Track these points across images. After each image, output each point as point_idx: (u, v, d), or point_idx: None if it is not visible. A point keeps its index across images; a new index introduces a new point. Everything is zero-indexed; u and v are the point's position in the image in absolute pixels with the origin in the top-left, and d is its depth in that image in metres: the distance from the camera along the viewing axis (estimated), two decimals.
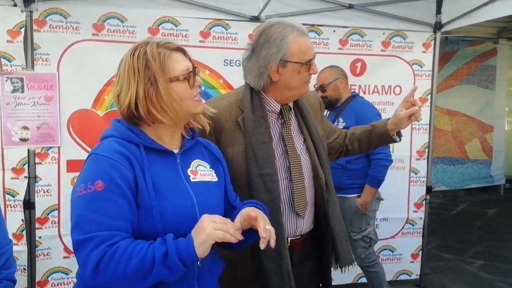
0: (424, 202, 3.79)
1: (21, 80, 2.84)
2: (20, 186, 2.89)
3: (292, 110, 1.81)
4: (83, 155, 2.92)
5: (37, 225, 2.94)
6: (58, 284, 3.02)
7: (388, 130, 1.94)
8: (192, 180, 1.33)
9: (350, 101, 3.15)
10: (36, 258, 2.95)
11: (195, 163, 1.38)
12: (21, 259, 2.87)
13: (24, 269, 2.92)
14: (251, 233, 1.33)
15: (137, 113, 1.26)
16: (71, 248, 2.96)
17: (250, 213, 1.27)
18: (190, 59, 1.35)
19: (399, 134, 1.99)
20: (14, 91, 2.83)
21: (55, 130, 2.92)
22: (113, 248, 1.12)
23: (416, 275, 3.87)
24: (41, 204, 2.94)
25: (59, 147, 2.94)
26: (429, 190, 3.80)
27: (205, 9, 3.17)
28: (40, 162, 2.92)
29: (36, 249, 2.95)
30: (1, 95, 2.81)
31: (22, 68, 2.83)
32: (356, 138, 2.03)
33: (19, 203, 2.88)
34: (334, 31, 3.45)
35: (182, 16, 3.11)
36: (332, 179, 1.84)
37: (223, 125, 1.68)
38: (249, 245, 1.41)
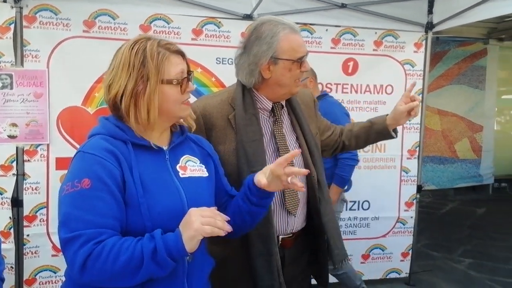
0: (414, 201, 3.81)
1: (10, 76, 2.80)
2: (8, 183, 2.85)
3: (285, 108, 1.81)
4: (73, 153, 2.87)
5: (25, 223, 2.91)
6: (46, 283, 2.99)
7: (387, 126, 1.95)
8: (181, 176, 1.32)
9: (320, 100, 3.15)
10: (24, 256, 2.92)
11: (184, 158, 1.38)
12: (9, 257, 2.83)
13: (12, 267, 2.89)
14: (240, 225, 1.36)
15: (119, 106, 1.25)
16: (59, 246, 2.92)
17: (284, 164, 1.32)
18: (187, 63, 1.34)
19: (395, 131, 2.00)
20: (3, 87, 2.80)
21: (44, 127, 2.89)
22: (100, 246, 1.11)
23: (406, 273, 3.90)
24: (29, 202, 2.91)
25: (48, 145, 2.91)
26: (419, 189, 3.82)
27: (198, 7, 3.16)
28: (28, 160, 2.89)
29: (24, 247, 2.92)
30: None
31: (11, 64, 2.79)
32: (354, 134, 2.04)
33: (7, 201, 2.85)
34: (327, 30, 3.45)
35: (174, 14, 3.09)
36: (324, 177, 1.85)
37: (214, 123, 1.68)
38: (238, 236, 1.43)
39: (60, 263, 2.93)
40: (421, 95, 3.71)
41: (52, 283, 3.00)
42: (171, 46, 1.30)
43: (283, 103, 1.80)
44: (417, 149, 3.77)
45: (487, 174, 7.33)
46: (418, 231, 3.96)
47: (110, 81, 1.27)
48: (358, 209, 3.71)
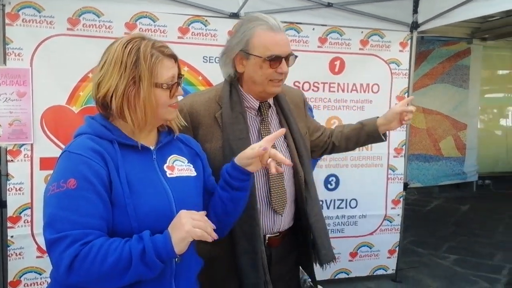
0: (401, 199, 3.85)
1: None
2: None
3: (274, 108, 1.81)
4: (58, 153, 2.82)
5: (9, 224, 2.85)
6: (31, 285, 2.94)
7: (378, 127, 1.96)
8: (168, 175, 1.31)
9: None
10: (8, 258, 2.87)
11: (171, 158, 1.37)
12: None
13: None
14: (224, 218, 1.39)
15: (110, 105, 1.24)
16: (44, 248, 2.89)
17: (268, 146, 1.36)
18: (179, 67, 1.33)
19: (384, 134, 2.01)
20: None
21: (28, 126, 2.84)
22: (87, 247, 1.10)
23: (392, 270, 3.94)
24: (13, 203, 2.85)
25: (32, 144, 2.86)
26: (405, 187, 3.86)
27: (184, 5, 3.14)
28: (12, 160, 2.83)
29: (8, 248, 2.86)
30: None
31: None
32: (344, 136, 2.04)
33: None
34: (314, 29, 3.46)
35: (160, 12, 3.07)
36: (312, 177, 1.85)
37: (201, 120, 1.68)
38: (225, 234, 1.45)
39: (45, 264, 2.89)
40: (406, 94, 3.75)
41: (37, 285, 2.95)
42: (165, 49, 1.29)
43: (271, 102, 1.79)
44: (404, 147, 3.80)
45: (471, 172, 7.43)
46: (404, 228, 4.00)
47: (100, 79, 1.25)
48: (346, 207, 3.73)
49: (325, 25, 3.50)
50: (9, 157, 2.82)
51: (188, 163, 1.40)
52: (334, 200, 3.69)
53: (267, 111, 1.77)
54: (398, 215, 3.86)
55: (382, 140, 2.02)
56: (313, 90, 3.50)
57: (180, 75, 1.32)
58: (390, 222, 3.85)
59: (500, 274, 4.16)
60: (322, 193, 3.59)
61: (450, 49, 7.02)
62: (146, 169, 1.28)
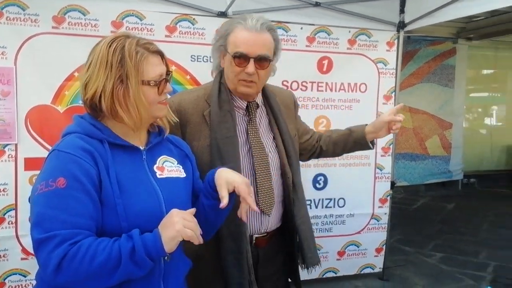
0: (388, 198, 3.88)
1: None
2: None
3: (263, 108, 1.81)
4: (43, 153, 2.84)
5: None
6: (15, 287, 2.89)
7: (366, 135, 1.96)
8: (158, 176, 1.31)
9: None
10: None
11: (161, 159, 1.36)
12: None
13: None
14: (206, 224, 1.37)
15: (99, 106, 1.22)
16: (29, 249, 2.86)
17: (244, 189, 1.31)
18: (166, 63, 1.32)
19: (372, 142, 2.02)
20: None
21: (12, 126, 2.78)
22: (75, 247, 1.09)
23: (380, 268, 3.96)
24: None
25: (16, 144, 2.81)
26: (392, 185, 3.89)
27: (171, 3, 3.11)
28: None
29: None
30: None
31: None
32: (332, 141, 2.05)
33: None
34: (302, 28, 3.46)
35: (147, 10, 3.04)
36: (300, 179, 1.85)
37: (189, 118, 1.67)
38: (210, 237, 1.44)
39: (30, 266, 2.84)
40: (393, 93, 3.78)
41: (22, 287, 2.90)
42: (150, 46, 1.28)
43: (260, 102, 1.79)
44: (391, 146, 3.83)
45: (457, 170, 7.53)
46: (391, 226, 4.02)
47: (87, 80, 1.24)
48: (334, 206, 3.74)
49: (313, 25, 3.50)
50: None
51: (177, 164, 1.40)
52: (322, 200, 3.70)
53: (255, 111, 1.77)
54: (385, 213, 3.88)
55: (369, 148, 2.03)
56: (301, 89, 3.50)
57: (168, 72, 1.31)
58: (377, 221, 3.87)
59: (485, 271, 4.22)
60: (310, 193, 3.60)
61: (436, 49, 7.10)
62: (136, 169, 1.27)
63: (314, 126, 3.53)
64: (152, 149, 1.35)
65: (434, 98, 7.20)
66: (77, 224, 1.11)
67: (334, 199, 3.74)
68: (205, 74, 2.97)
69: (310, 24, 3.49)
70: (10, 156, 2.80)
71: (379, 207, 3.86)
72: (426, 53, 7.05)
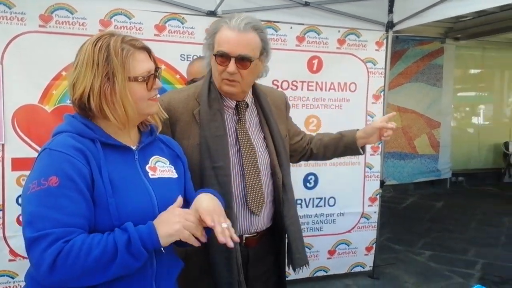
0: (378, 196, 3.90)
1: None
2: None
3: (254, 108, 1.80)
4: (30, 153, 2.80)
5: None
6: None
7: (356, 140, 1.97)
8: (151, 176, 1.30)
9: None
10: None
11: (153, 159, 1.35)
12: None
13: None
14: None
15: (88, 106, 1.22)
16: (17, 251, 2.82)
17: (205, 218, 1.22)
18: (154, 60, 1.31)
19: (363, 148, 2.02)
20: None
21: None
22: (69, 244, 1.08)
23: (370, 266, 3.98)
24: None
25: (3, 144, 2.77)
26: (382, 184, 3.91)
27: (160, 2, 3.09)
28: None
29: None
30: None
31: None
32: (323, 144, 2.04)
33: None
34: (291, 28, 3.47)
35: (136, 9, 3.02)
36: (290, 179, 1.85)
37: (179, 117, 1.66)
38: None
39: (18, 268, 2.81)
40: (382, 93, 3.80)
41: None
42: (135, 42, 1.27)
43: (249, 102, 1.79)
44: (380, 145, 3.85)
45: (445, 169, 7.61)
46: (381, 225, 4.05)
47: (74, 80, 1.22)
48: (325, 205, 3.75)
49: (303, 24, 3.51)
50: None
51: (169, 164, 1.39)
52: (313, 199, 3.71)
53: (245, 111, 1.76)
54: (375, 212, 3.91)
55: (359, 153, 2.03)
56: (291, 89, 3.51)
57: (157, 68, 1.31)
58: (367, 219, 3.89)
59: (474, 269, 4.26)
60: (301, 192, 3.61)
61: (424, 49, 7.16)
62: (128, 169, 1.27)
63: (305, 125, 3.54)
64: (144, 149, 1.34)
65: (422, 98, 7.27)
66: (70, 223, 1.10)
67: (325, 198, 3.75)
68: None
69: (299, 24, 3.50)
70: None
71: (369, 205, 3.88)
72: (414, 52, 7.11)
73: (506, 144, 8.24)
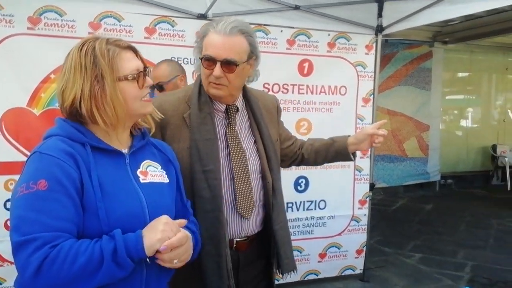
0: (367, 199, 3.91)
1: None
2: None
3: (245, 112, 1.80)
4: (18, 157, 2.77)
5: None
6: None
7: (348, 146, 1.97)
8: (141, 181, 1.29)
9: None
10: None
11: (145, 163, 1.34)
12: None
13: None
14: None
15: (80, 111, 1.21)
16: (4, 256, 2.78)
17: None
18: (141, 59, 1.31)
19: (354, 154, 2.03)
20: None
21: None
22: (56, 249, 1.06)
23: (360, 269, 3.99)
24: None
25: None
26: (371, 187, 3.93)
27: (150, 5, 3.08)
28: None
29: None
30: None
31: None
32: (314, 149, 2.04)
33: None
34: (282, 31, 3.48)
35: (125, 12, 3.00)
36: (280, 184, 1.85)
37: (169, 120, 1.66)
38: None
39: (6, 273, 2.77)
40: (372, 96, 3.82)
41: None
42: (120, 42, 1.27)
43: (239, 105, 1.78)
44: (370, 148, 3.86)
45: (434, 172, 7.67)
46: (371, 228, 4.07)
47: (63, 87, 1.22)
48: (315, 208, 3.76)
49: (293, 27, 3.52)
50: None
51: (161, 169, 1.38)
52: (304, 202, 3.71)
53: (235, 115, 1.76)
54: (365, 215, 3.92)
55: (350, 159, 2.03)
56: (282, 92, 3.51)
57: (145, 67, 1.30)
58: (357, 222, 3.91)
59: (463, 271, 4.30)
60: (292, 195, 3.62)
61: (413, 52, 7.23)
62: (118, 174, 1.26)
63: (296, 129, 3.55)
64: (135, 153, 1.33)
65: (411, 101, 7.33)
66: (57, 227, 1.09)
67: (315, 201, 3.75)
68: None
69: (289, 27, 3.51)
70: None
71: (359, 208, 3.90)
72: (403, 56, 7.17)
73: (494, 147, 8.33)
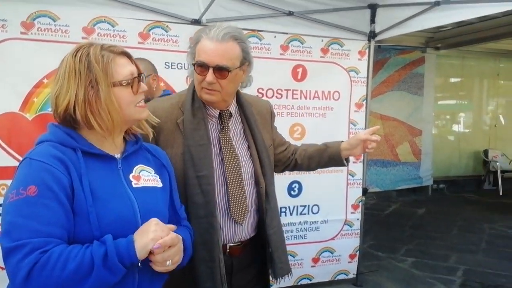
0: (360, 204, 3.93)
1: None
2: None
3: (238, 117, 1.81)
4: (10, 162, 2.75)
5: None
6: None
7: (341, 151, 1.98)
8: (134, 185, 1.29)
9: None
10: None
11: (138, 168, 1.35)
12: None
13: None
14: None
15: (74, 116, 1.21)
16: None
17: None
18: (135, 65, 1.31)
19: (347, 160, 2.04)
20: None
21: None
22: (46, 255, 1.06)
23: (353, 274, 4.00)
24: None
25: None
26: (364, 191, 3.95)
27: (144, 10, 3.08)
28: None
29: None
30: None
31: None
32: (307, 155, 2.05)
33: None
34: (275, 37, 3.49)
35: (119, 17, 3.00)
36: (274, 188, 1.85)
37: (162, 126, 1.66)
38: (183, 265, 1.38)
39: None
40: (365, 101, 3.85)
41: None
42: (115, 48, 1.28)
43: (233, 111, 1.79)
44: (363, 154, 3.88)
45: (427, 176, 7.71)
46: (364, 232, 4.08)
47: (57, 93, 1.22)
48: (308, 213, 3.77)
49: (286, 33, 3.54)
50: None
51: (154, 173, 1.39)
52: (297, 206, 3.72)
53: (228, 120, 1.77)
54: (358, 219, 3.93)
55: (343, 165, 2.04)
56: (276, 97, 3.53)
57: (139, 73, 1.31)
58: (350, 227, 3.92)
59: (455, 275, 4.32)
60: (285, 200, 3.62)
61: (405, 58, 7.28)
62: (110, 178, 1.26)
63: (289, 133, 3.56)
64: (128, 158, 1.34)
65: (404, 106, 7.37)
66: (48, 232, 1.09)
67: (309, 205, 3.76)
68: (179, 81, 2.96)
69: (283, 33, 3.53)
70: None
71: (352, 213, 3.91)
72: (396, 61, 7.22)
73: (485, 152, 8.40)
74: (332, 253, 3.89)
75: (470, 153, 8.60)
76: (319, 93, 3.68)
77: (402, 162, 7.46)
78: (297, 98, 3.62)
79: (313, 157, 2.04)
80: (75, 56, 1.22)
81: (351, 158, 3.71)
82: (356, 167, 3.88)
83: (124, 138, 1.37)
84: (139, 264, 1.19)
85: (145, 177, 1.34)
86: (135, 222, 1.22)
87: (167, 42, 3.13)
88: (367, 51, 3.81)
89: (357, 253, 3.97)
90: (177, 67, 3.09)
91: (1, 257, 1.10)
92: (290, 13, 3.49)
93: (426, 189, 7.93)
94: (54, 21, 2.82)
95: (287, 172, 3.56)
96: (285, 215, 3.64)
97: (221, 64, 1.60)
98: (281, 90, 3.56)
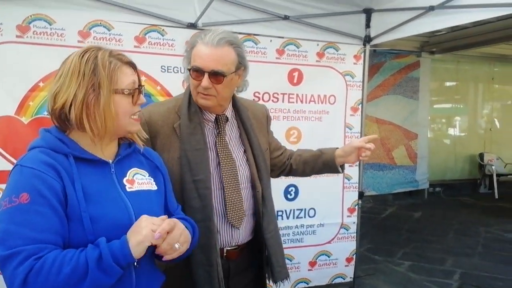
0: (356, 207, 3.93)
1: None
2: None
3: (234, 121, 1.81)
4: (6, 166, 2.73)
5: None
6: None
7: (335, 158, 1.98)
8: (128, 189, 1.29)
9: None
10: None
11: (131, 171, 1.35)
12: None
13: None
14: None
15: (68, 116, 1.21)
16: None
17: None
18: (138, 76, 1.32)
19: (342, 167, 2.04)
20: None
21: None
22: (41, 261, 1.07)
23: (350, 278, 3.99)
24: None
25: None
26: (361, 195, 3.95)
27: (140, 14, 3.08)
28: None
29: None
30: None
31: None
32: (302, 160, 2.05)
33: None
34: (271, 41, 3.50)
35: (115, 20, 3.00)
36: (270, 192, 1.85)
37: (159, 130, 1.67)
38: (184, 258, 1.38)
39: None
40: (360, 105, 3.86)
41: None
42: (123, 57, 1.29)
43: (229, 115, 1.80)
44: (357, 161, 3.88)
45: (423, 180, 7.73)
46: (361, 235, 4.08)
47: (57, 90, 1.22)
48: (305, 216, 3.76)
49: (282, 37, 3.55)
50: None
51: (148, 176, 1.39)
52: (294, 210, 3.71)
53: (224, 124, 1.77)
54: (354, 223, 3.93)
55: (338, 171, 2.04)
56: (272, 101, 3.53)
57: (140, 84, 1.32)
58: (347, 230, 3.92)
59: (452, 279, 4.33)
60: (282, 204, 3.62)
61: (401, 62, 7.32)
62: (104, 183, 1.26)
63: (286, 137, 3.56)
64: (121, 162, 1.33)
65: (399, 110, 7.40)
66: (42, 239, 1.09)
67: (305, 209, 3.76)
68: (175, 85, 2.96)
69: (279, 37, 3.54)
70: None
71: (348, 216, 3.91)
72: (391, 66, 7.25)
73: (481, 155, 8.44)
74: (328, 256, 3.88)
75: (465, 156, 8.63)
76: (315, 97, 3.69)
77: (398, 166, 7.49)
78: (293, 102, 3.62)
79: (307, 162, 2.05)
80: (82, 57, 1.23)
81: None
82: (352, 170, 3.88)
83: (118, 141, 1.37)
84: (136, 263, 1.19)
85: (139, 180, 1.34)
86: (130, 226, 1.22)
87: (163, 46, 3.13)
88: (362, 55, 3.82)
89: (354, 256, 3.97)
90: (173, 71, 3.09)
91: None
92: (286, 17, 3.50)
93: (422, 193, 7.96)
94: (50, 25, 2.81)
95: (283, 176, 3.60)
96: (282, 219, 3.63)
97: (217, 69, 1.61)
98: (277, 94, 3.56)
